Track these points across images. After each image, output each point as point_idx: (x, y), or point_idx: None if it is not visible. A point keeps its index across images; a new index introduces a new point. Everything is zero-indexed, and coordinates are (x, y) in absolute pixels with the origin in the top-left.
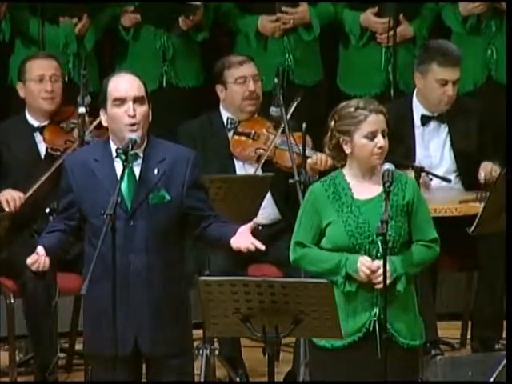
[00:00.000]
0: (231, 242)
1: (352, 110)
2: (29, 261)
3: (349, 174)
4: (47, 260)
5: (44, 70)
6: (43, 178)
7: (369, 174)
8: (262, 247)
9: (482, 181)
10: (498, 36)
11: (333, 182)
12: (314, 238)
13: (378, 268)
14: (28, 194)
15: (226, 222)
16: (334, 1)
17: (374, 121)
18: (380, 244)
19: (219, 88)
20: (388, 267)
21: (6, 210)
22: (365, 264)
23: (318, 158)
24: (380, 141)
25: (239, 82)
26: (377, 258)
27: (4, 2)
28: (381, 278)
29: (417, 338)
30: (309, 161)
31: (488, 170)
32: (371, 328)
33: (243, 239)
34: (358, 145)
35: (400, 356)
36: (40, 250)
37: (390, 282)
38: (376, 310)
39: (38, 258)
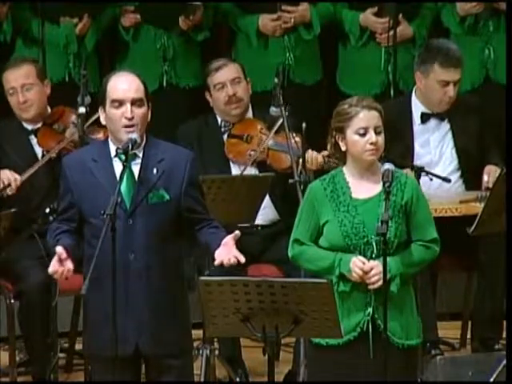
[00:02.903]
0: (215, 255)
1: (346, 106)
2: (50, 270)
3: (348, 172)
4: (70, 265)
5: (14, 81)
6: (36, 167)
7: (367, 172)
8: (242, 260)
9: (485, 185)
10: (496, 36)
11: (332, 181)
12: (312, 236)
13: (371, 269)
14: (24, 177)
15: (217, 227)
16: (334, 0)
17: (366, 117)
18: (375, 245)
19: (207, 95)
20: (382, 267)
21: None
22: (357, 265)
23: (309, 157)
24: (372, 137)
25: (218, 87)
26: (371, 258)
27: (5, 2)
28: (374, 279)
29: (413, 338)
30: (300, 160)
31: (492, 173)
32: (365, 327)
33: (225, 252)
34: (350, 141)
35: (395, 356)
36: (59, 249)
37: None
38: (370, 310)
39: (59, 268)
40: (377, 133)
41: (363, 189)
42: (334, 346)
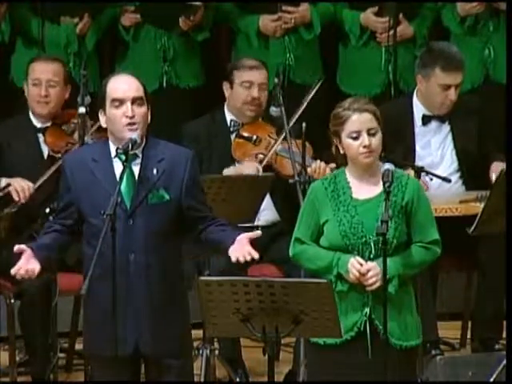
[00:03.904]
0: (229, 251)
1: (339, 110)
2: (12, 271)
3: (350, 173)
4: (35, 266)
5: (41, 74)
6: (48, 173)
7: (367, 173)
8: (256, 256)
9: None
10: (495, 36)
11: (333, 181)
12: (313, 235)
13: (368, 271)
14: (36, 185)
15: (225, 224)
16: (334, 0)
17: (357, 120)
18: (373, 245)
19: (226, 85)
20: (379, 269)
21: (16, 199)
22: (355, 266)
23: (317, 167)
24: (364, 140)
25: (245, 85)
26: (369, 259)
27: (5, 1)
28: (371, 281)
29: (412, 339)
30: (308, 170)
31: (500, 170)
32: (362, 328)
33: (240, 249)
34: (345, 145)
35: (394, 356)
36: (21, 247)
37: (382, 284)
38: (367, 310)
39: (21, 267)
40: (370, 134)
41: (364, 189)
42: (331, 345)
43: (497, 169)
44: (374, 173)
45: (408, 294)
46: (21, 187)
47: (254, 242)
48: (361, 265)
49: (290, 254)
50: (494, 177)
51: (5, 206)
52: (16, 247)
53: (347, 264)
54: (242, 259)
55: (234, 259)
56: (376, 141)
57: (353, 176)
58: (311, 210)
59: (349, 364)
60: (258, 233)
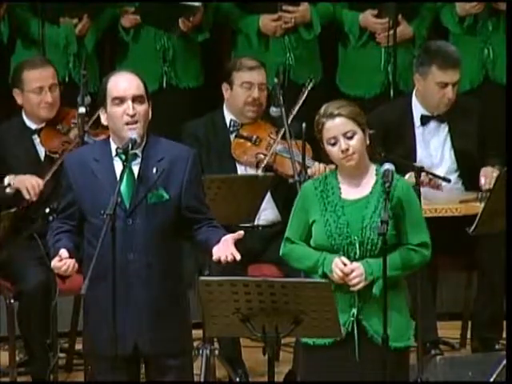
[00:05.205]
0: (213, 250)
1: (316, 118)
2: (54, 264)
3: (340, 173)
4: (74, 262)
5: (43, 81)
6: (50, 173)
7: (356, 175)
8: (238, 257)
9: (483, 187)
10: (495, 36)
11: (324, 181)
12: (303, 234)
13: (352, 271)
14: (45, 180)
15: (217, 226)
16: (334, 0)
17: (331, 127)
18: (358, 246)
19: (225, 87)
20: (363, 269)
21: (27, 197)
22: (338, 266)
23: (316, 169)
24: (341, 145)
25: (245, 86)
26: (355, 259)
27: (4, 2)
28: (354, 281)
29: (401, 341)
30: (308, 171)
31: (489, 175)
32: (350, 328)
33: (223, 249)
34: (327, 151)
35: (380, 356)
36: (63, 252)
37: (367, 284)
38: (354, 311)
39: (64, 262)
40: (347, 138)
41: (353, 190)
42: (320, 345)
43: (485, 173)
44: (364, 173)
45: (397, 295)
46: (31, 185)
47: (237, 243)
48: (345, 265)
49: (281, 253)
50: (482, 181)
51: (15, 204)
52: (63, 252)
53: (332, 264)
54: (223, 259)
55: (215, 258)
56: (355, 142)
57: (344, 177)
58: (301, 209)
59: (338, 364)
60: (241, 233)
